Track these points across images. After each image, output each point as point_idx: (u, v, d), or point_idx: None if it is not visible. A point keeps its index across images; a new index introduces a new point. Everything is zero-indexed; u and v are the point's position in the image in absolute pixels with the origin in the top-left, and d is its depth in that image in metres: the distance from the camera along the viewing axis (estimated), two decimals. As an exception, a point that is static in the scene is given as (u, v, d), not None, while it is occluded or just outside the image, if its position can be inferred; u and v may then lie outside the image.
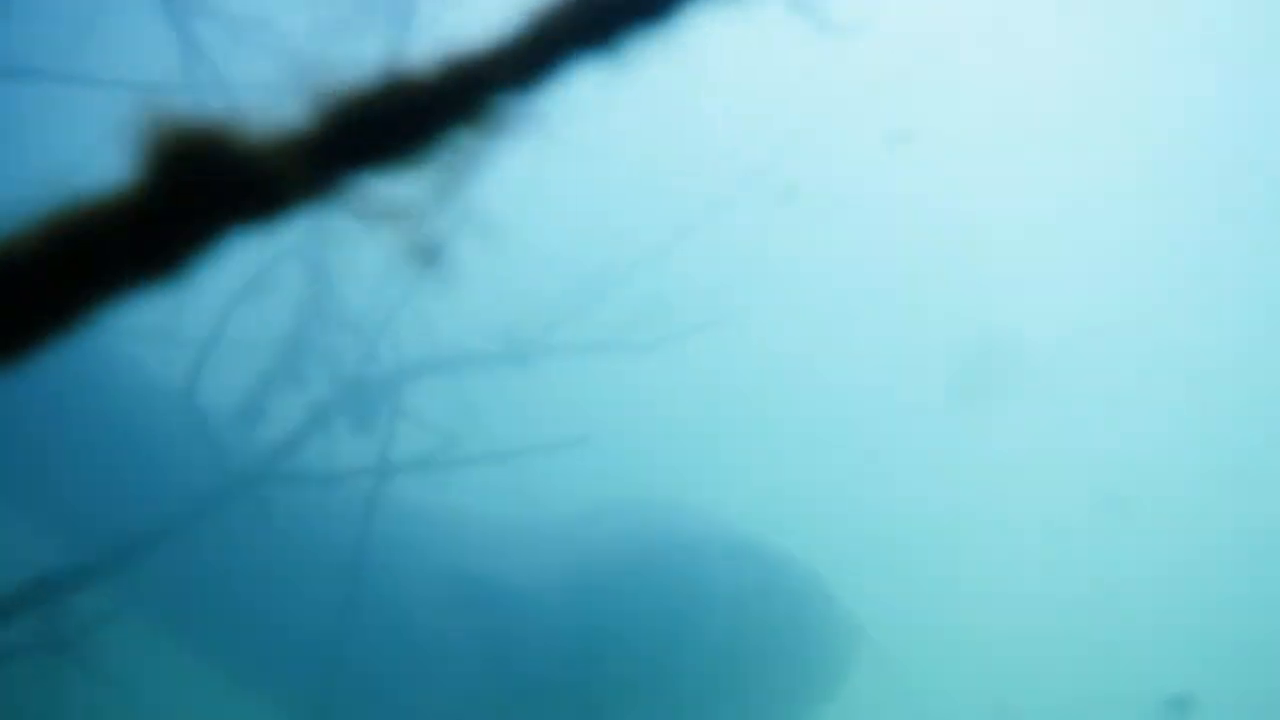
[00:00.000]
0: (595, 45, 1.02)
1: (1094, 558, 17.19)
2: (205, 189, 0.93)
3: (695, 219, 10.36)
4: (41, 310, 0.91)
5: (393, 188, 1.02)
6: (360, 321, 7.63)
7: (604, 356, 8.98)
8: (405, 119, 1.00)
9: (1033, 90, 17.97)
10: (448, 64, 1.00)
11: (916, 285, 17.53)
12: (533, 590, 7.87)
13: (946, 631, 15.27)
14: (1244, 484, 17.60)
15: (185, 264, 0.96)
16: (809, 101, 13.32)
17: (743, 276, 13.57)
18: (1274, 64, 17.15)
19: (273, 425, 7.53)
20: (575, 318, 8.62)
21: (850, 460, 16.67)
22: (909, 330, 17.52)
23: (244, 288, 7.07)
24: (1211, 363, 18.20)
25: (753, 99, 14.88)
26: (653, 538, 8.04)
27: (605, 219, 13.34)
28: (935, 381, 17.36)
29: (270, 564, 7.56)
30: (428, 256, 1.03)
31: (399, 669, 7.79)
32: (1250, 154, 17.49)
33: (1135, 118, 17.88)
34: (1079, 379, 18.38)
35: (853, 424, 17.02)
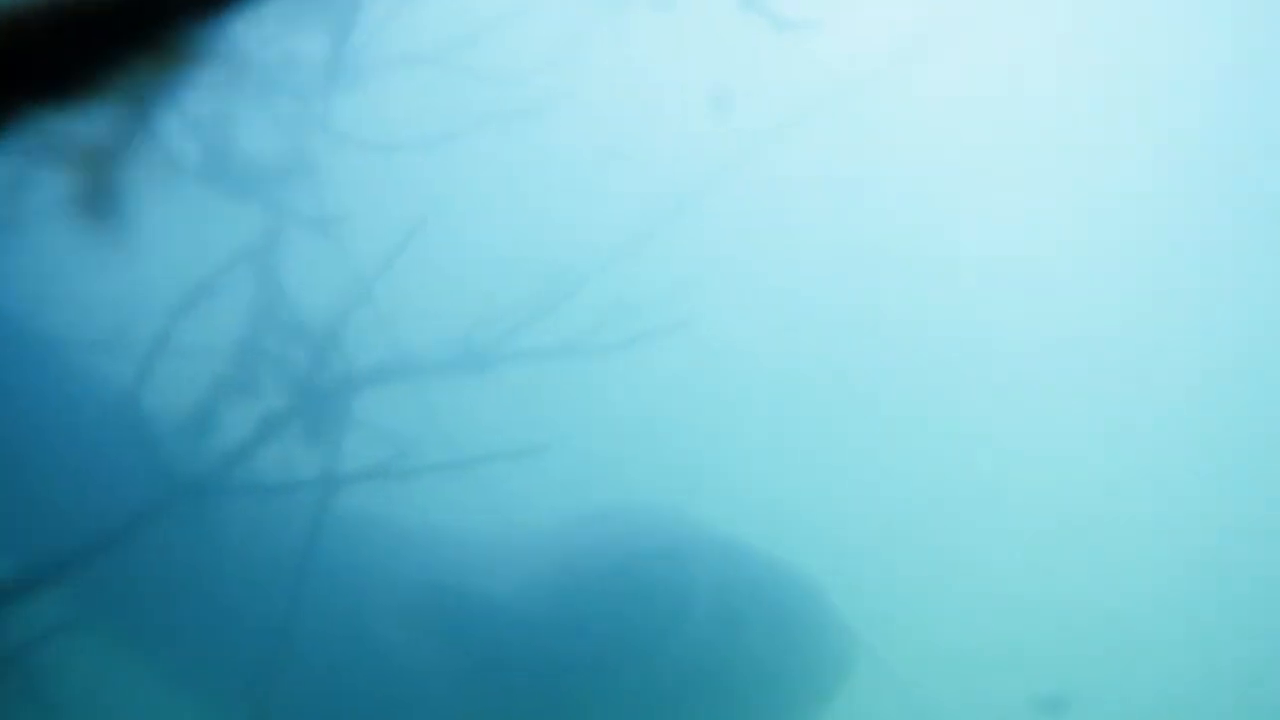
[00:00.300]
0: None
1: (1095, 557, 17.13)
2: None
3: (659, 219, 10.31)
4: None
5: (67, 124, 0.94)
6: (314, 326, 7.53)
7: (569, 360, 8.91)
8: (73, 47, 0.92)
9: (1016, 90, 17.94)
10: (119, -13, 0.92)
11: (890, 285, 17.50)
12: (508, 600, 7.77)
13: (944, 634, 15.19)
14: (1246, 482, 17.53)
15: None
16: (778, 101, 13.27)
17: (709, 277, 13.53)
18: (1274, 62, 17.10)
19: (225, 434, 7.44)
20: (539, 321, 8.54)
21: (829, 460, 16.60)
22: (886, 327, 17.49)
23: (193, 292, 6.98)
24: (1210, 366, 18.16)
25: (719, 97, 14.82)
26: (634, 544, 7.94)
27: (567, 220, 13.28)
28: (912, 381, 17.32)
29: (224, 578, 7.45)
30: (108, 199, 0.95)
31: (366, 683, 7.68)
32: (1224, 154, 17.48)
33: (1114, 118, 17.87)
34: (1072, 379, 18.35)
35: (829, 424, 16.96)
